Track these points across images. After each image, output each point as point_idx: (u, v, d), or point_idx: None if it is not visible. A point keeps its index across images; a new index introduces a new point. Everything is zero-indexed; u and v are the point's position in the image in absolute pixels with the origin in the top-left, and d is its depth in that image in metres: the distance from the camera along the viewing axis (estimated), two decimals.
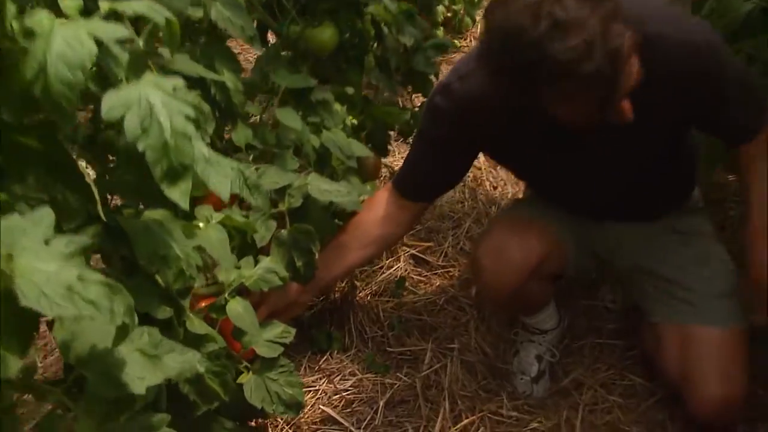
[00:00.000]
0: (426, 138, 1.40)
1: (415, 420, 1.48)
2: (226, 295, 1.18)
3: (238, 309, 1.16)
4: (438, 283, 1.85)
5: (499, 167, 2.42)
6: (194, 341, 1.08)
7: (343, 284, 1.80)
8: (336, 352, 1.65)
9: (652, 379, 1.56)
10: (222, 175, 0.75)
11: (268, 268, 1.21)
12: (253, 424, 1.40)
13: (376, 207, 1.46)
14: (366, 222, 1.45)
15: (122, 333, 0.65)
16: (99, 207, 0.84)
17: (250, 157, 1.34)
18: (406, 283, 1.81)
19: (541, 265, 1.42)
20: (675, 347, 1.41)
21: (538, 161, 1.36)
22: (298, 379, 1.26)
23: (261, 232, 1.27)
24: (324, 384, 1.56)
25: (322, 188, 1.28)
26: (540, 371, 1.60)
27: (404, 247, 1.94)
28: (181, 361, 0.80)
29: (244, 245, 1.31)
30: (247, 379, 1.22)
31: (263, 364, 1.24)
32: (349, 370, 1.59)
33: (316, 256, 1.31)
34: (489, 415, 1.49)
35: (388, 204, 1.46)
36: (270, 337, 1.23)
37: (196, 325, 1.07)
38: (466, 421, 1.46)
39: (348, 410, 1.49)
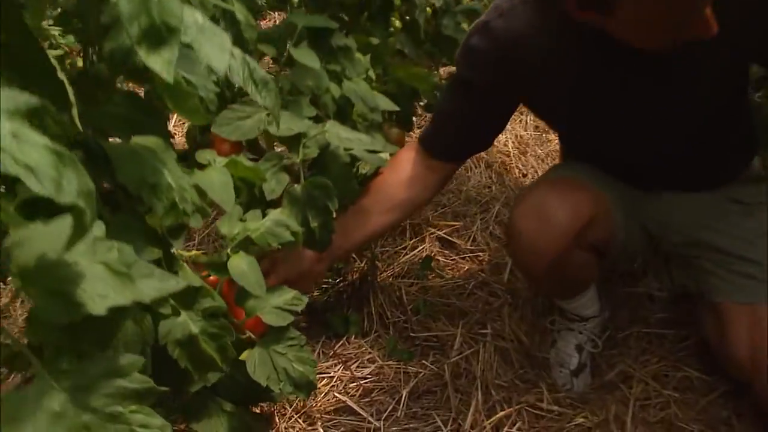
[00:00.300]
0: (460, 85, 1.22)
1: (443, 412, 1.29)
2: (229, 250, 1.01)
3: (241, 266, 0.99)
4: (466, 267, 1.66)
5: (528, 152, 2.25)
6: (187, 296, 0.91)
7: (362, 264, 1.62)
8: (353, 337, 1.46)
9: (712, 372, 1.36)
10: (217, 47, 0.58)
11: (277, 221, 1.03)
12: (257, 411, 1.22)
13: (400, 168, 1.29)
14: (390, 184, 1.28)
15: (78, 229, 0.47)
16: (75, 113, 0.67)
17: None
18: (432, 264, 1.63)
19: (587, 230, 1.23)
20: (743, 330, 1.22)
21: (588, 109, 1.18)
22: (310, 354, 1.08)
23: (271, 184, 1.09)
24: (340, 371, 1.37)
25: (343, 136, 1.11)
26: (580, 363, 1.40)
27: (430, 228, 1.77)
28: (158, 288, 0.62)
29: (251, 200, 1.14)
30: (250, 352, 1.04)
31: (270, 336, 1.06)
32: (368, 356, 1.41)
33: (334, 216, 1.13)
34: (527, 408, 1.30)
35: (415, 164, 1.29)
36: (279, 303, 1.06)
37: (190, 275, 0.89)
38: (501, 414, 1.26)
39: (366, 399, 1.30)
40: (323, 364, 1.39)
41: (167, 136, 0.94)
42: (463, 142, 1.28)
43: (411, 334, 1.46)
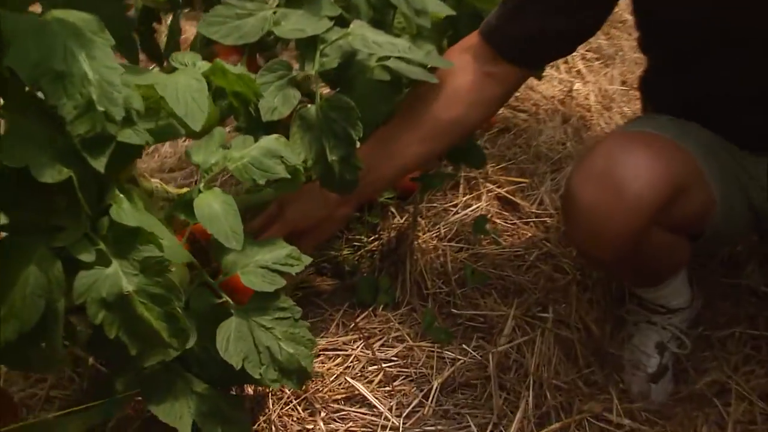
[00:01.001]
0: None
1: (482, 413, 1.00)
2: (201, 185, 0.74)
3: (211, 206, 0.72)
4: (529, 235, 1.35)
5: (613, 108, 1.89)
6: (121, 239, 0.64)
7: (402, 220, 1.33)
8: (382, 307, 1.18)
9: None
10: None
11: (269, 150, 0.75)
12: (243, 393, 0.97)
13: (449, 75, 0.98)
14: (431, 98, 0.97)
15: None
16: None
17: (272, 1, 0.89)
18: (488, 227, 1.32)
19: (673, 204, 0.91)
20: None
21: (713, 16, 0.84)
22: (306, 332, 0.81)
23: (269, 101, 0.81)
24: (359, 349, 1.10)
25: (372, 40, 0.81)
26: (661, 366, 1.08)
27: (488, 184, 1.45)
28: None
29: (253, 125, 0.86)
30: (224, 323, 0.78)
31: (253, 304, 0.79)
32: (396, 333, 1.13)
33: (357, 145, 0.84)
34: (590, 419, 0.99)
35: (469, 68, 0.97)
36: (266, 261, 0.79)
37: (126, 212, 0.63)
38: (556, 425, 0.97)
39: (387, 389, 1.03)
40: (340, 339, 1.12)
41: (123, 21, 0.67)
42: (549, 35, 0.94)
43: (453, 310, 1.17)
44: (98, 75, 0.54)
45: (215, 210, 0.70)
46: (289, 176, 0.75)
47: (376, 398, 1.00)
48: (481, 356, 1.06)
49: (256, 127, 0.83)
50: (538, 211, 1.40)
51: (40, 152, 0.56)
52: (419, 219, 1.33)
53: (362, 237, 1.32)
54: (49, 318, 0.61)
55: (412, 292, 1.21)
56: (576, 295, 1.17)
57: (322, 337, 1.12)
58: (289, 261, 0.79)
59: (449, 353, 1.08)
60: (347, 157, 0.86)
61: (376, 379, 1.04)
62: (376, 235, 1.33)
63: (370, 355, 1.08)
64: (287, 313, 0.79)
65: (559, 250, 1.29)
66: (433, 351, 1.09)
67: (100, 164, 0.56)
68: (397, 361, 1.07)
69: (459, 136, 1.04)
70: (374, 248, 1.31)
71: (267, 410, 0.96)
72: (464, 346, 1.09)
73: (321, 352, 1.09)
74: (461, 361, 1.07)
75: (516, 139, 1.66)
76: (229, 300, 0.78)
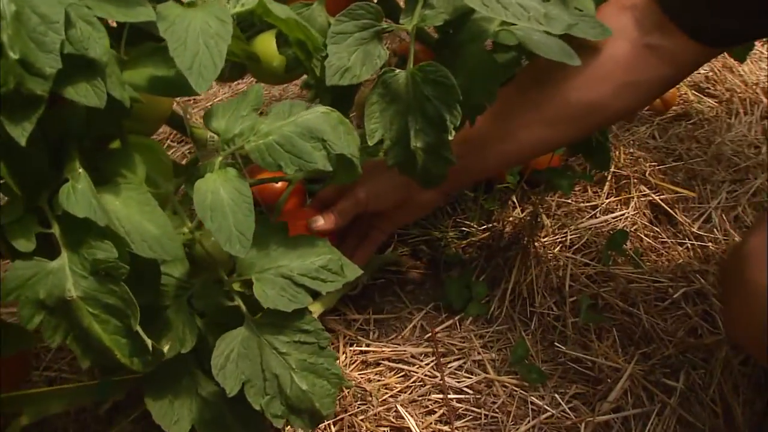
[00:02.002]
0: None
1: None
2: (218, 161, 0.56)
3: (217, 193, 0.54)
4: (681, 261, 1.05)
5: None
6: (73, 230, 0.48)
7: (523, 214, 1.09)
8: (471, 320, 0.97)
9: None
10: None
11: (308, 128, 0.55)
12: None
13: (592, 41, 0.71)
14: (571, 71, 0.70)
15: None
16: None
17: None
18: (628, 244, 1.05)
19: None
20: None
21: None
22: (333, 364, 0.62)
23: (341, 59, 0.61)
24: (428, 367, 0.90)
25: None
26: None
27: (642, 186, 1.16)
28: None
29: (318, 87, 0.66)
30: (228, 334, 0.61)
31: (269, 317, 0.61)
32: (479, 357, 0.91)
33: (450, 135, 0.62)
34: None
35: (631, 33, 0.70)
36: (291, 270, 0.60)
37: (78, 195, 0.46)
38: None
39: (445, 430, 0.83)
40: (410, 348, 0.92)
41: None
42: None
43: (557, 343, 0.92)
44: (18, 4, 0.36)
45: (221, 199, 0.52)
46: (329, 168, 0.54)
47: None
48: (574, 417, 0.82)
49: (324, 90, 0.63)
50: (701, 232, 1.09)
51: None
52: (543, 217, 1.08)
53: (473, 223, 1.10)
54: None
55: (513, 307, 0.98)
56: (724, 361, 0.88)
57: (390, 341, 0.93)
58: (322, 275, 0.59)
59: (536, 400, 0.85)
60: (436, 146, 0.64)
61: (436, 414, 0.83)
62: (489, 225, 1.10)
63: (438, 380, 0.87)
64: (311, 338, 0.61)
65: (716, 291, 0.99)
66: (516, 392, 0.86)
67: (20, 133, 0.39)
68: (469, 394, 0.86)
69: (598, 124, 0.77)
70: (483, 240, 1.08)
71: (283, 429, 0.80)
72: (557, 396, 0.85)
73: (383, 360, 0.90)
74: (548, 414, 0.83)
75: (694, 130, 1.33)
76: (242, 306, 0.60)
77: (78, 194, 0.45)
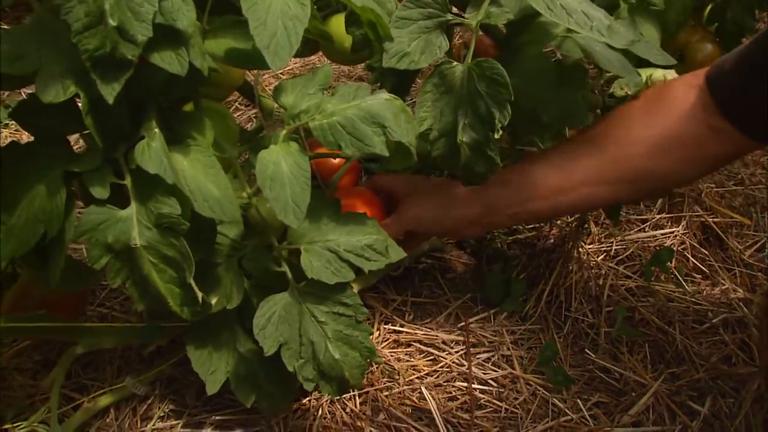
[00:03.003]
0: None
1: None
2: (283, 134, 0.59)
3: (279, 164, 0.57)
4: (725, 287, 1.04)
5: None
6: (145, 184, 0.51)
7: (571, 218, 1.09)
8: (505, 315, 0.98)
9: None
10: None
11: (370, 113, 0.57)
12: None
13: (660, 109, 0.72)
14: (638, 135, 0.73)
15: None
16: None
17: None
18: (673, 262, 1.04)
19: None
20: None
21: None
22: (367, 339, 0.65)
23: (401, 44, 0.62)
24: (457, 355, 0.92)
25: (559, 1, 0.57)
26: None
27: (697, 207, 1.14)
28: None
29: (382, 70, 0.68)
30: (271, 298, 0.64)
31: (311, 287, 0.64)
32: (508, 353, 0.93)
33: (497, 134, 0.64)
34: None
35: (696, 112, 0.71)
36: (338, 245, 0.62)
37: (152, 153, 0.49)
38: None
39: (464, 417, 0.85)
40: (442, 334, 0.94)
41: None
42: None
43: (588, 350, 0.93)
44: None
45: (281, 171, 0.55)
46: (386, 153, 0.56)
47: (447, 427, 0.82)
48: (593, 424, 0.83)
49: (386, 73, 0.65)
50: (751, 261, 1.08)
51: (56, 60, 0.43)
52: (591, 224, 1.08)
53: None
54: (52, 245, 0.51)
55: (549, 308, 0.99)
56: (756, 394, 0.87)
57: (424, 324, 0.96)
58: (367, 253, 0.62)
59: (557, 402, 0.86)
60: (482, 143, 0.65)
61: (458, 401, 0.86)
62: (537, 225, 1.11)
63: (465, 369, 0.89)
64: (350, 311, 0.63)
65: (757, 321, 0.98)
66: (539, 391, 0.88)
67: (109, 92, 0.43)
68: (493, 387, 0.88)
69: (658, 189, 0.80)
70: (528, 239, 1.09)
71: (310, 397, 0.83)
72: (579, 401, 0.86)
73: (413, 342, 0.93)
74: (567, 417, 0.84)
75: (762, 155, 1.30)
76: (288, 273, 0.64)
77: (152, 152, 0.48)
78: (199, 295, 0.55)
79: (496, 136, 0.62)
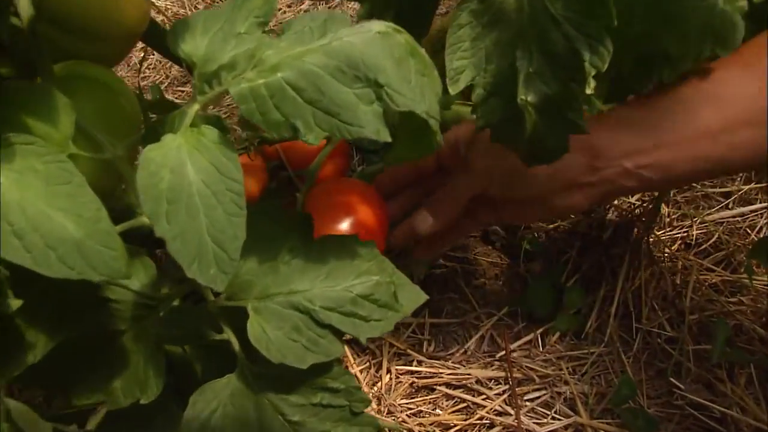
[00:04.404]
0: None
1: None
2: (190, 113, 0.31)
3: (181, 170, 0.29)
4: None
5: None
6: None
7: (635, 198, 0.82)
8: (558, 335, 0.72)
9: None
10: None
11: (350, 58, 0.30)
12: None
13: None
14: None
15: None
16: None
17: None
18: None
19: None
20: None
21: None
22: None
23: None
24: (496, 400, 0.66)
25: None
26: None
27: None
28: None
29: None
30: (204, 388, 0.37)
31: (273, 365, 0.38)
32: (565, 388, 0.67)
33: (589, 87, 0.36)
34: None
35: None
36: (308, 299, 0.36)
37: None
38: None
39: None
40: (474, 369, 0.68)
41: None
42: None
43: (671, 379, 0.67)
44: None
45: (185, 183, 0.28)
46: (385, 137, 0.30)
47: None
48: None
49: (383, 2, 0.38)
50: None
51: None
52: (666, 207, 0.81)
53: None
54: None
55: (614, 319, 0.73)
56: None
57: (449, 357, 0.70)
58: (361, 308, 0.35)
59: None
60: (558, 103, 0.39)
61: None
62: (601, 212, 0.84)
63: (512, 420, 0.64)
64: (339, 399, 0.37)
65: None
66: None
67: None
68: (539, 408, 0.63)
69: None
70: (578, 228, 0.83)
71: None
72: None
73: (437, 385, 0.67)
74: None
75: None
76: (235, 344, 0.37)
77: None
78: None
79: (588, 91, 0.36)
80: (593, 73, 0.37)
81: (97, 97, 0.37)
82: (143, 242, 0.42)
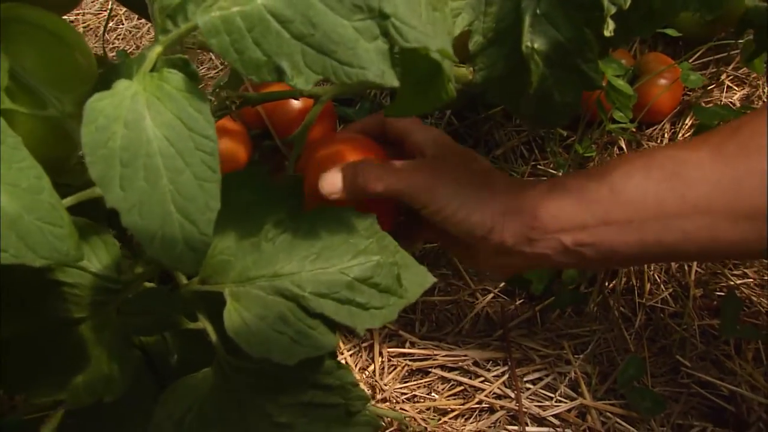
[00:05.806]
0: None
1: None
2: (152, 55, 0.25)
3: (138, 125, 0.23)
4: None
5: None
6: None
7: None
8: (557, 313, 0.68)
9: None
10: None
11: None
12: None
13: None
14: None
15: None
16: None
17: None
18: None
19: None
20: None
21: None
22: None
23: None
24: (495, 382, 0.61)
25: None
26: None
27: None
28: None
29: None
30: (176, 385, 0.31)
31: (256, 360, 0.32)
32: (567, 367, 0.62)
33: (608, 30, 0.30)
34: None
35: None
36: (296, 283, 0.30)
37: None
38: None
39: None
40: (471, 351, 0.63)
41: None
42: None
43: (678, 356, 0.63)
44: None
45: (143, 140, 0.22)
46: (392, 82, 0.24)
47: None
48: None
49: None
50: None
51: None
52: None
53: (559, 173, 0.79)
54: None
55: (615, 295, 0.69)
56: None
57: (444, 337, 0.65)
58: (359, 294, 0.30)
59: None
60: (571, 50, 0.33)
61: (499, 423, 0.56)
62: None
63: (513, 403, 0.59)
64: (334, 397, 0.32)
65: None
66: (620, 426, 0.58)
67: None
68: (556, 426, 0.58)
69: None
70: None
71: None
72: None
73: (432, 368, 0.62)
74: None
75: None
76: (212, 335, 0.32)
77: None
78: None
79: (606, 33, 0.30)
80: (612, 11, 0.31)
81: (43, 46, 0.30)
82: (109, 217, 0.36)
